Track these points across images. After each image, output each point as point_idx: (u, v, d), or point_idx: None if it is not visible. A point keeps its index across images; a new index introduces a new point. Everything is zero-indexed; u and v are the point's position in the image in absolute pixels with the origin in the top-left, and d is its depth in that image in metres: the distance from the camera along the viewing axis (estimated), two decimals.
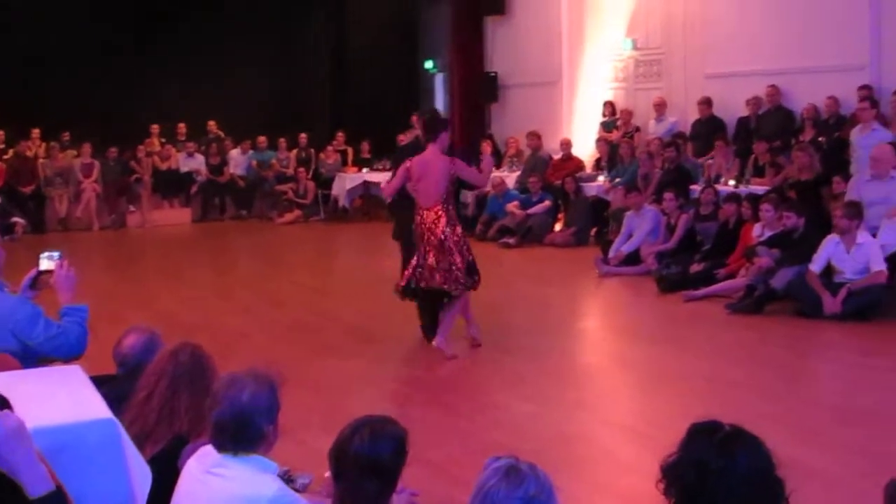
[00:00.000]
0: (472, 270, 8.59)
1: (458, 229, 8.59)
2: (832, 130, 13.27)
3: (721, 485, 2.74)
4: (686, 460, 2.80)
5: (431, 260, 8.47)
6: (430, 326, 9.02)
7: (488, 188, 8.62)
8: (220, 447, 3.44)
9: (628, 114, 16.66)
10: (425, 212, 8.52)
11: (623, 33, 17.17)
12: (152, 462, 3.92)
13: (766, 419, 6.56)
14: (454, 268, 8.45)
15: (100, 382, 4.50)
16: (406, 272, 8.78)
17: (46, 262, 5.09)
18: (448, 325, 8.66)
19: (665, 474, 2.82)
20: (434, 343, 8.64)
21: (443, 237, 8.43)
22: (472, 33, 20.12)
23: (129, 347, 4.71)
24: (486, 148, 8.91)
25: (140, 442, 4.00)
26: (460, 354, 8.62)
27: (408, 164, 8.64)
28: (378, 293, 11.53)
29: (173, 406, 4.08)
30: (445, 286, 8.53)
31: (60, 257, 5.11)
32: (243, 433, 3.38)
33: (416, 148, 9.04)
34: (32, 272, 5.12)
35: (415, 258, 8.65)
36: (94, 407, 3.97)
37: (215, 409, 3.40)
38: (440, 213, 8.47)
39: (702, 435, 2.86)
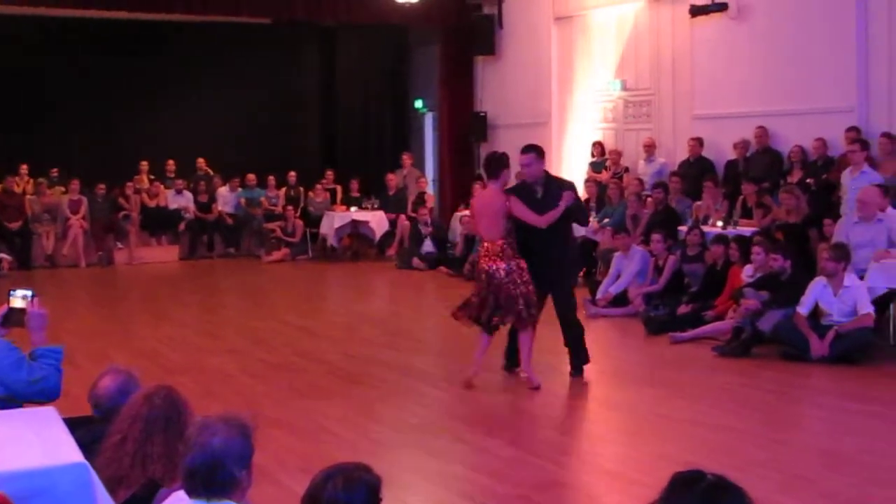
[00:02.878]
0: (528, 303, 8.77)
1: (514, 263, 8.74)
2: (820, 172, 13.28)
3: None
4: None
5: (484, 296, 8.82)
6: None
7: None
8: (192, 493, 3.36)
9: (617, 154, 16.66)
10: (488, 245, 8.82)
11: (612, 74, 17.22)
12: None
13: (753, 465, 6.51)
14: (509, 300, 8.71)
15: (76, 424, 4.43)
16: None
17: (19, 301, 4.99)
18: (526, 355, 8.94)
19: None
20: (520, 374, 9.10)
21: (492, 271, 8.72)
22: (462, 73, 20.24)
23: (103, 389, 4.62)
24: (568, 196, 9.14)
25: (113, 486, 3.92)
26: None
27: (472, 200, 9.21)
28: (362, 334, 11.49)
29: (147, 450, 4.00)
30: (500, 319, 8.91)
31: (33, 296, 5.00)
32: (215, 479, 3.31)
33: (521, 188, 9.32)
34: (3, 309, 5.00)
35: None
36: (66, 451, 3.91)
37: (187, 454, 3.34)
38: (503, 246, 8.73)
39: (684, 485, 2.78)
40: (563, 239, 9.31)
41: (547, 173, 9.38)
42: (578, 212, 9.54)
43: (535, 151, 9.20)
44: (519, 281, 8.69)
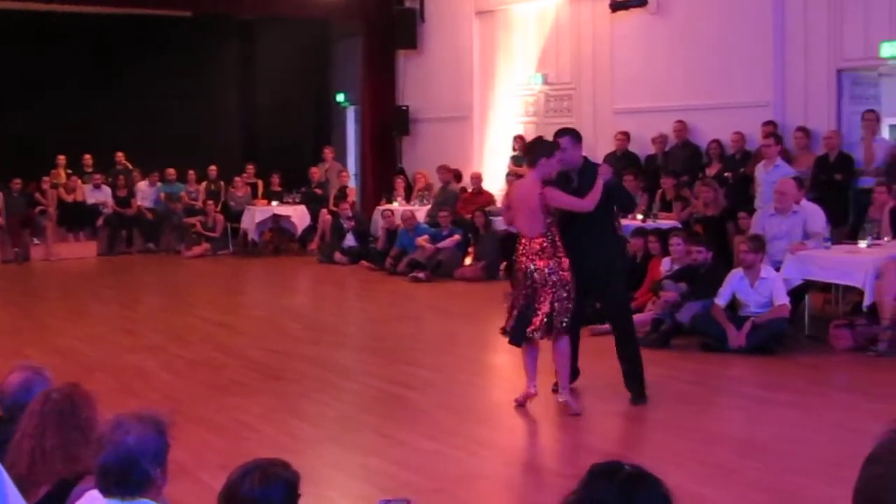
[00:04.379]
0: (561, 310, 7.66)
1: (554, 263, 7.65)
2: (738, 165, 13.45)
3: None
4: (585, 502, 2.73)
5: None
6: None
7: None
8: (106, 492, 3.30)
9: None
10: (528, 242, 7.77)
11: (533, 68, 17.29)
12: None
13: (672, 455, 6.58)
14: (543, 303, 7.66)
15: None
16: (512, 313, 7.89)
17: None
18: (563, 376, 7.90)
19: None
20: (558, 399, 7.94)
21: (535, 270, 7.67)
22: (384, 67, 20.18)
23: (6, 386, 4.51)
24: (604, 169, 7.96)
25: (22, 485, 3.82)
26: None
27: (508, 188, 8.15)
28: (284, 330, 11.39)
29: (43, 446, 3.91)
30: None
31: None
32: (129, 477, 3.25)
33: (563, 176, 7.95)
34: None
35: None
36: None
37: (100, 452, 3.27)
38: (544, 244, 7.69)
39: (602, 476, 2.78)
40: (610, 229, 8.41)
41: (586, 160, 8.22)
42: (619, 192, 8.41)
43: (571, 135, 8.08)
44: (559, 283, 7.63)
